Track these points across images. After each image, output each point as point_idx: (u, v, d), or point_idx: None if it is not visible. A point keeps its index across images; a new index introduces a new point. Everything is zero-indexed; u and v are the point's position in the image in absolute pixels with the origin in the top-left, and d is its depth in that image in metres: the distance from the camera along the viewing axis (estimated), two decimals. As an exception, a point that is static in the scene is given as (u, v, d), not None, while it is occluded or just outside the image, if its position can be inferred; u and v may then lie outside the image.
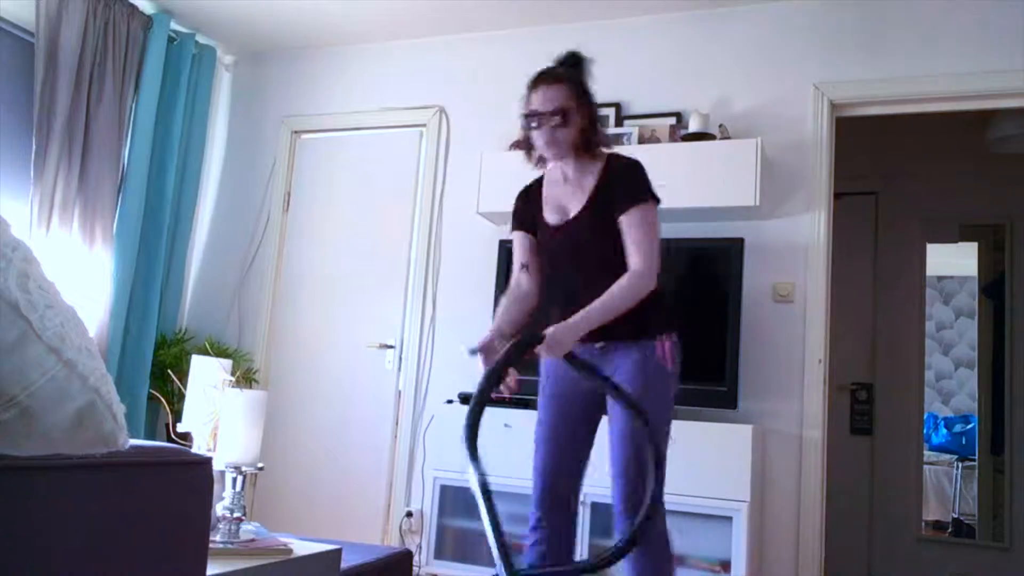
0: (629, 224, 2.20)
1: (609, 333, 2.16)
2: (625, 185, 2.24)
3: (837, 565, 4.01)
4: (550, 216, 2.33)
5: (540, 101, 2.27)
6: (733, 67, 3.70)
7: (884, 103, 3.53)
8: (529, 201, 2.41)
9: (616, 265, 2.18)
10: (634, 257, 2.17)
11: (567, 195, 2.31)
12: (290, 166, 4.51)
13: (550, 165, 2.37)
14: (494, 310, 3.69)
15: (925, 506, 4.80)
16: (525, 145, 2.38)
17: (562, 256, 2.30)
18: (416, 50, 4.31)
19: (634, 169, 2.28)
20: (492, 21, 4.06)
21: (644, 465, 2.11)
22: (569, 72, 2.32)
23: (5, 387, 0.83)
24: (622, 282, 2.14)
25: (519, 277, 2.40)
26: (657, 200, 2.25)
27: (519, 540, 3.35)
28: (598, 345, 2.23)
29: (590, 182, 2.28)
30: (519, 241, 2.41)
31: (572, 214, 2.28)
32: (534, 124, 2.27)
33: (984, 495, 4.78)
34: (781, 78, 3.61)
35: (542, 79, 2.30)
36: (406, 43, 4.33)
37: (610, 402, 2.21)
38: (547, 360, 2.33)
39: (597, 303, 2.12)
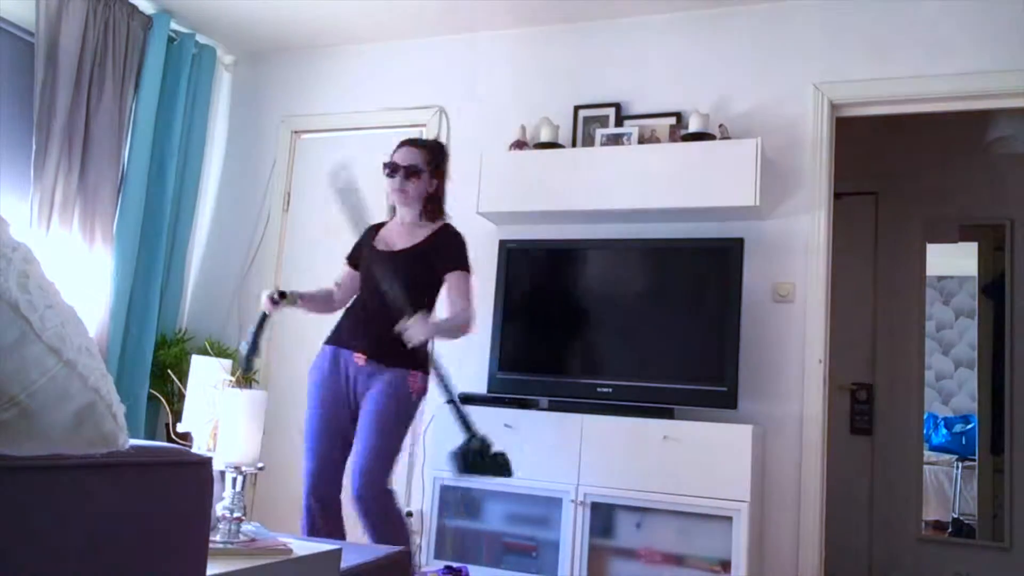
0: (451, 280, 2.83)
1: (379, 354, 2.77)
2: (450, 252, 2.86)
3: (837, 565, 4.01)
4: (379, 245, 2.91)
5: (400, 157, 2.88)
6: (733, 67, 3.70)
7: (884, 103, 3.53)
8: (364, 239, 2.98)
9: (414, 294, 2.73)
10: (459, 302, 2.81)
11: (399, 236, 2.90)
12: (290, 166, 4.51)
13: (396, 216, 2.96)
14: (494, 310, 3.71)
15: (925, 506, 4.80)
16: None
17: (378, 273, 2.80)
18: (416, 50, 4.31)
19: (459, 240, 2.90)
20: (492, 21, 4.06)
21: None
22: (428, 143, 3.02)
23: (5, 387, 0.83)
24: (457, 311, 2.80)
25: (332, 288, 3.09)
26: (470, 271, 2.87)
27: (517, 540, 3.36)
28: (360, 359, 2.80)
29: (423, 234, 2.88)
30: (344, 268, 3.06)
31: (396, 248, 2.86)
32: (387, 173, 2.87)
33: (984, 495, 4.78)
34: (781, 78, 3.61)
35: (405, 142, 2.95)
36: (406, 43, 4.33)
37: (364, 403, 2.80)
38: (320, 374, 2.88)
39: (447, 319, 2.82)
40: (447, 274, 2.84)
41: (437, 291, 2.89)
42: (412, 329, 2.64)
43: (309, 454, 2.82)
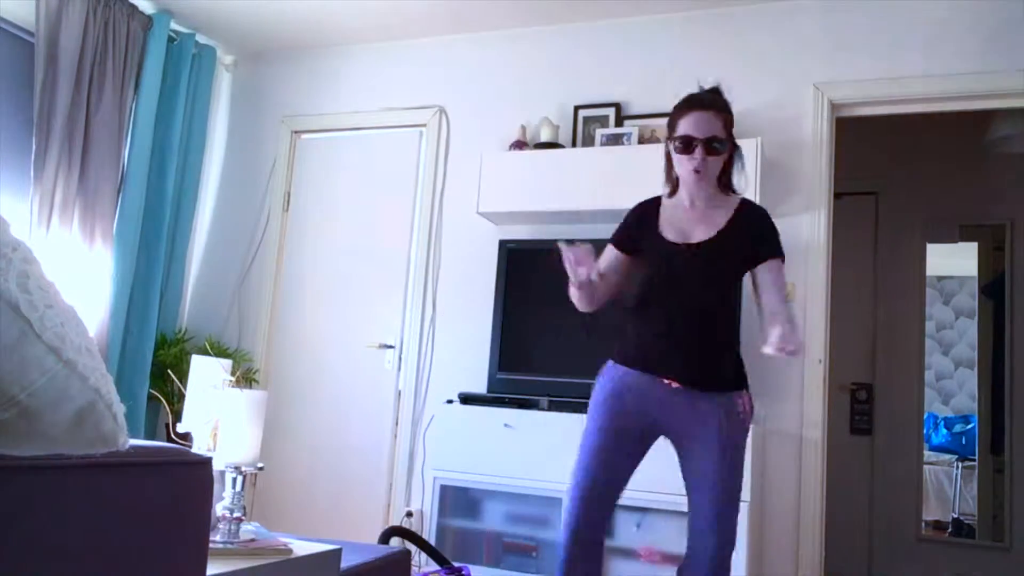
0: (773, 273, 2.25)
1: (700, 380, 2.22)
2: (769, 236, 2.28)
3: (837, 565, 4.01)
4: (670, 235, 2.28)
5: (694, 127, 2.22)
6: (733, 67, 3.70)
7: (884, 103, 3.53)
8: (643, 221, 2.35)
9: (719, 295, 2.27)
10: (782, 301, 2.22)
11: (691, 222, 2.29)
12: (290, 166, 4.52)
13: (678, 195, 2.34)
14: (494, 310, 3.72)
15: (925, 506, 4.80)
16: (667, 167, 2.35)
17: (672, 272, 2.26)
18: (416, 50, 4.31)
19: (772, 221, 2.32)
20: (492, 21, 4.06)
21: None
22: (721, 102, 2.29)
23: (5, 387, 0.83)
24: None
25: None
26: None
27: (517, 540, 3.36)
28: (674, 385, 2.22)
29: (722, 217, 2.28)
30: (612, 252, 2.36)
31: (695, 240, 2.26)
32: (677, 148, 2.24)
33: (984, 495, 4.79)
34: (781, 78, 3.61)
35: (696, 105, 2.26)
36: (406, 43, 4.33)
37: (702, 441, 2.24)
38: (621, 387, 2.29)
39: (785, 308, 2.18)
40: (768, 261, 2.25)
41: (737, 287, 2.36)
42: (793, 339, 2.00)
43: (582, 487, 2.24)
